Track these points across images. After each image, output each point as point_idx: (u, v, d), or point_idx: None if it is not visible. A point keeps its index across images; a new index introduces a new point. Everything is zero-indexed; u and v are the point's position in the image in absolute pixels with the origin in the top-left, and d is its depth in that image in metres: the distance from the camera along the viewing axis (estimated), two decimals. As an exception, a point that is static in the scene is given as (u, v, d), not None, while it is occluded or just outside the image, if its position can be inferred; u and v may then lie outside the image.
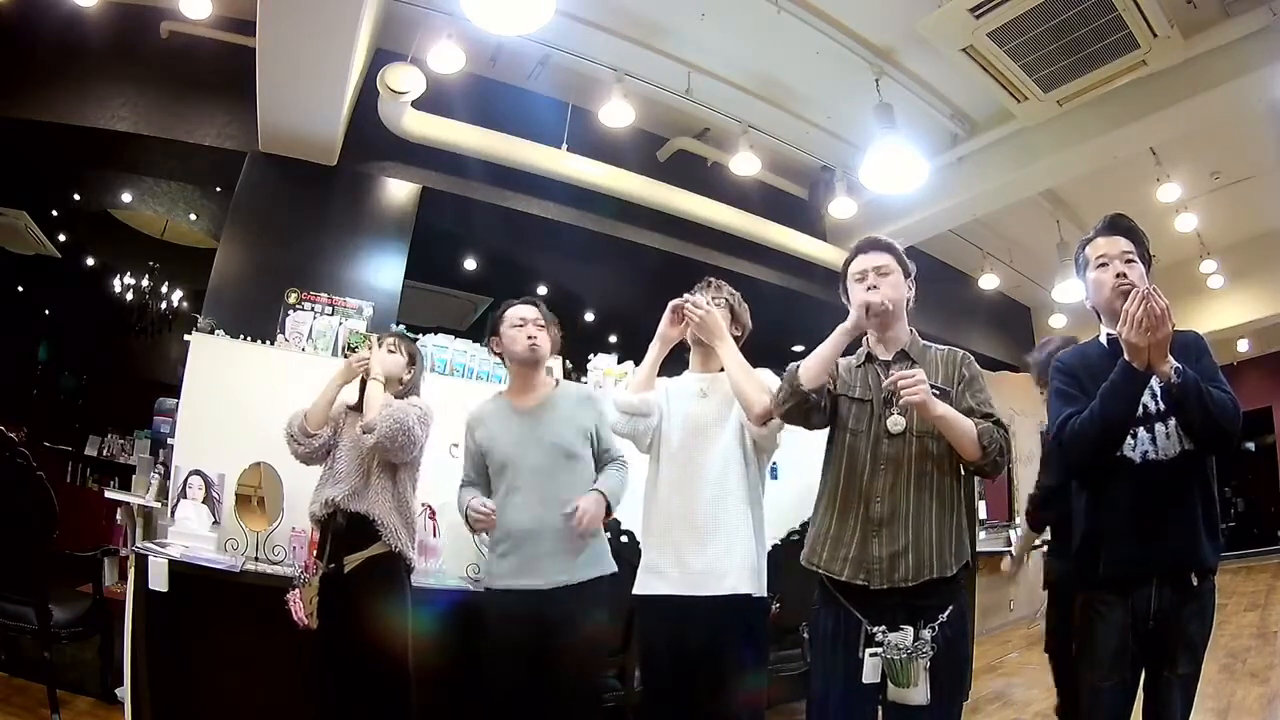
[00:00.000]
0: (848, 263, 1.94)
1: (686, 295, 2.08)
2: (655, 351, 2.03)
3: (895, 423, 1.74)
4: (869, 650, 1.64)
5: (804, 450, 5.22)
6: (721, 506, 1.87)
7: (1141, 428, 1.75)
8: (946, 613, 1.66)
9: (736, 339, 2.08)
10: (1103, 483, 1.80)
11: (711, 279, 2.21)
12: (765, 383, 1.92)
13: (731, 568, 1.83)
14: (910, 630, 1.62)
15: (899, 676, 1.60)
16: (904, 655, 1.60)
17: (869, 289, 1.82)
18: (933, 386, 1.70)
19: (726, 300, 2.13)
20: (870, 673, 1.63)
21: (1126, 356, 1.64)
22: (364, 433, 2.29)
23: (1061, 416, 1.83)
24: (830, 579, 1.75)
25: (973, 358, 1.90)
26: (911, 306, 1.93)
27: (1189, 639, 1.69)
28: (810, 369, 1.76)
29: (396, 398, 2.46)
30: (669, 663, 1.88)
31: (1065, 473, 2.07)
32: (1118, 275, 1.83)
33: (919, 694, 1.60)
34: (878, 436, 1.76)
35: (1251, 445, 10.04)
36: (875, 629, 1.64)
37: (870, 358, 1.88)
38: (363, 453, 2.36)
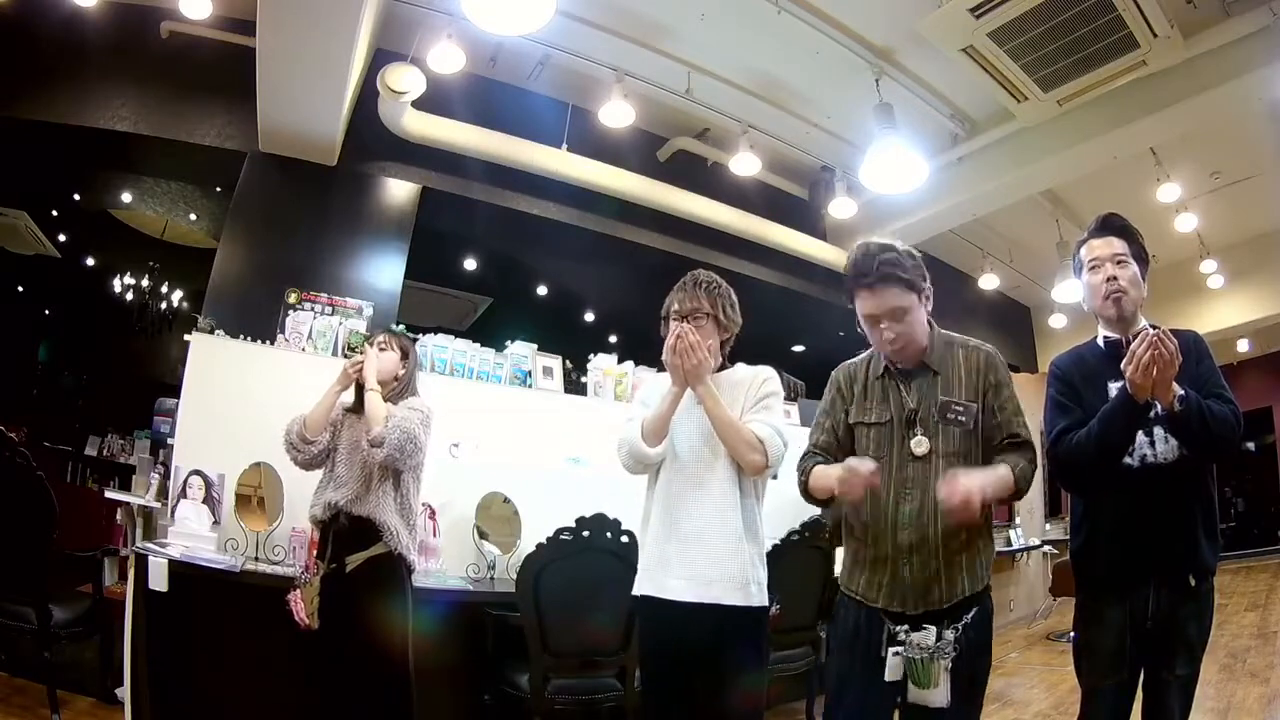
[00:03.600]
0: (852, 293, 1.76)
1: (677, 323, 1.92)
2: (670, 402, 1.88)
3: (919, 443, 1.66)
4: (891, 649, 1.60)
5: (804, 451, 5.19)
6: (719, 514, 1.84)
7: (1140, 432, 1.74)
8: (971, 614, 1.62)
9: (725, 341, 2.00)
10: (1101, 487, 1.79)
11: (699, 277, 2.03)
12: (751, 439, 1.83)
13: (727, 575, 1.81)
14: (933, 630, 1.58)
15: (920, 677, 1.56)
16: (926, 655, 1.56)
17: (886, 340, 1.71)
18: (955, 404, 1.63)
19: (707, 313, 1.94)
20: (892, 671, 1.59)
21: (1129, 390, 1.60)
22: (372, 446, 2.28)
23: (1057, 429, 1.81)
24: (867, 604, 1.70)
25: (999, 357, 1.77)
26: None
27: (1187, 640, 1.69)
28: (820, 488, 1.73)
29: (394, 396, 2.46)
30: (668, 664, 1.88)
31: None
32: (1108, 279, 1.82)
33: (939, 695, 1.56)
34: (901, 460, 1.67)
35: (1251, 445, 10.04)
36: (898, 628, 1.61)
37: (889, 371, 1.78)
38: (365, 458, 2.36)
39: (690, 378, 1.83)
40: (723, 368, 2.00)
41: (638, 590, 1.90)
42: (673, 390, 1.88)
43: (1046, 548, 7.21)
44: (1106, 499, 1.79)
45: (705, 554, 1.81)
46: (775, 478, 2.00)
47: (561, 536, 2.52)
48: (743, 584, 1.80)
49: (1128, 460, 1.74)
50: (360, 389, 2.43)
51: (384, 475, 2.35)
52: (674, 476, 1.90)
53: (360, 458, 2.37)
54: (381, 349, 2.50)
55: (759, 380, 1.96)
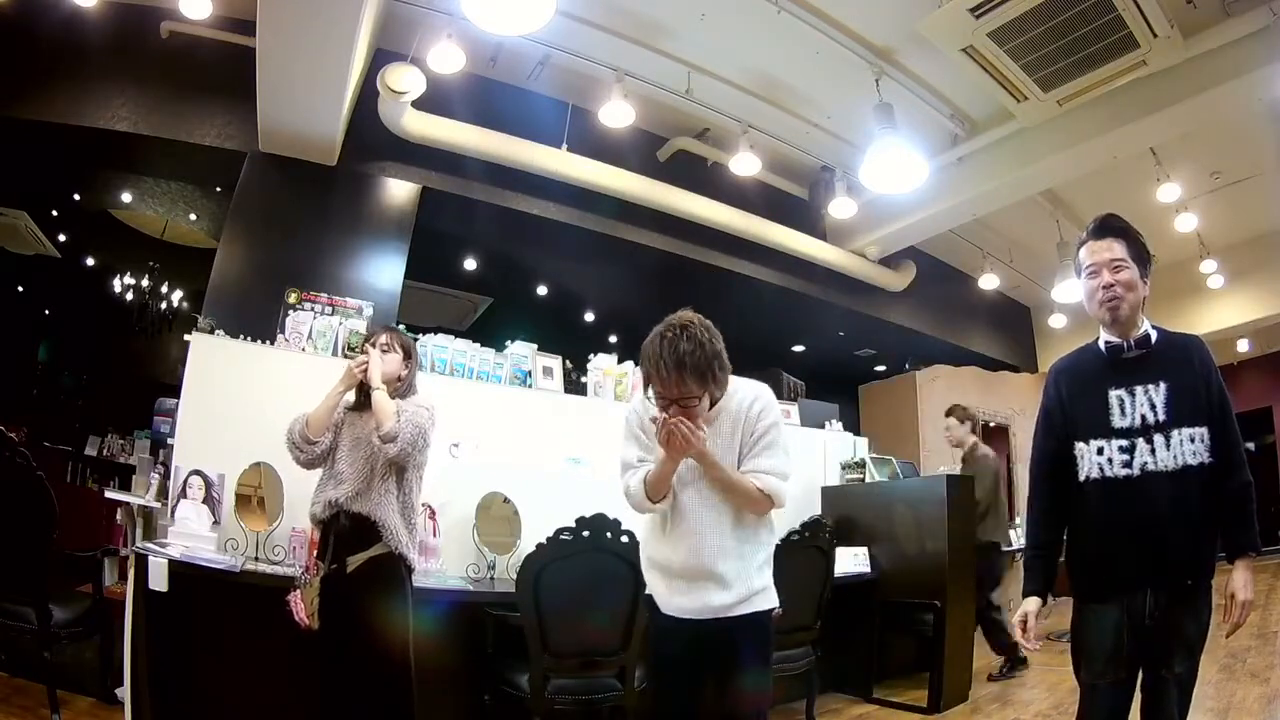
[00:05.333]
0: None
1: (661, 413, 1.72)
2: (669, 468, 1.77)
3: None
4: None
5: (803, 451, 5.21)
6: (723, 529, 1.82)
7: (1140, 439, 1.72)
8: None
9: (714, 401, 1.82)
10: (1099, 498, 1.77)
11: (680, 352, 1.69)
12: (755, 494, 1.78)
13: (736, 594, 1.81)
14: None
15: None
16: None
17: None
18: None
19: (697, 396, 1.73)
20: None
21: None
22: (385, 442, 2.28)
23: (1033, 461, 1.96)
24: None
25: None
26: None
27: (1185, 638, 1.68)
28: None
29: (396, 396, 2.45)
30: (675, 662, 1.88)
31: None
32: (1105, 286, 1.80)
33: None
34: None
35: (1251, 445, 10.07)
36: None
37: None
38: (369, 453, 2.36)
39: (690, 455, 1.75)
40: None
41: (649, 590, 1.91)
42: (670, 464, 1.78)
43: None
44: (1105, 512, 1.76)
45: (712, 570, 1.81)
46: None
47: (561, 536, 2.51)
48: (748, 595, 1.81)
49: (1125, 471, 1.73)
50: (363, 389, 2.43)
51: (386, 473, 2.35)
52: (677, 491, 1.89)
53: (362, 455, 2.36)
54: (385, 350, 2.48)
55: (755, 414, 1.85)
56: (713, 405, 1.82)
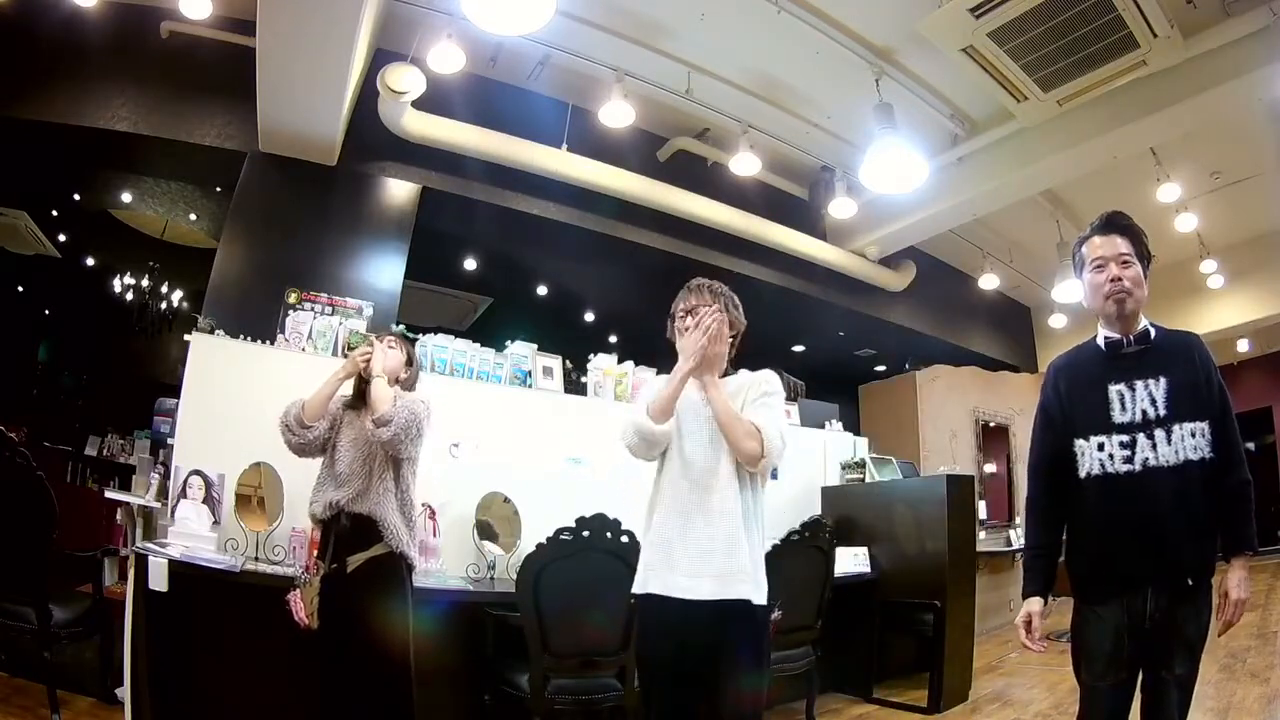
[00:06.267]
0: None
1: (697, 309, 1.96)
2: (678, 382, 1.88)
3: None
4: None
5: (803, 451, 5.21)
6: (721, 513, 1.83)
7: (1141, 434, 1.72)
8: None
9: (732, 342, 2.01)
10: (1099, 494, 1.77)
11: (704, 281, 2.06)
12: (750, 428, 1.83)
13: (729, 573, 1.80)
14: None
15: None
16: None
17: None
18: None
19: (722, 311, 1.97)
20: None
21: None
22: (378, 426, 2.28)
23: (1031, 462, 1.95)
24: None
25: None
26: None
27: (1186, 639, 1.68)
28: None
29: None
30: (668, 662, 1.87)
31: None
32: (1113, 280, 1.80)
33: None
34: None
35: (1251, 445, 10.08)
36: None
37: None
38: (368, 451, 2.36)
39: (705, 364, 1.86)
40: (726, 373, 1.99)
41: (640, 588, 1.89)
42: (682, 369, 1.88)
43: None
44: (1105, 502, 1.77)
45: (708, 552, 1.81)
46: (775, 477, 2.00)
47: (561, 536, 2.52)
48: (741, 580, 1.80)
49: (1127, 466, 1.73)
50: (362, 384, 2.44)
51: (384, 470, 2.35)
52: (679, 476, 1.90)
53: (361, 454, 2.37)
54: (390, 348, 2.52)
55: (760, 380, 1.97)
56: (728, 372, 1.99)
